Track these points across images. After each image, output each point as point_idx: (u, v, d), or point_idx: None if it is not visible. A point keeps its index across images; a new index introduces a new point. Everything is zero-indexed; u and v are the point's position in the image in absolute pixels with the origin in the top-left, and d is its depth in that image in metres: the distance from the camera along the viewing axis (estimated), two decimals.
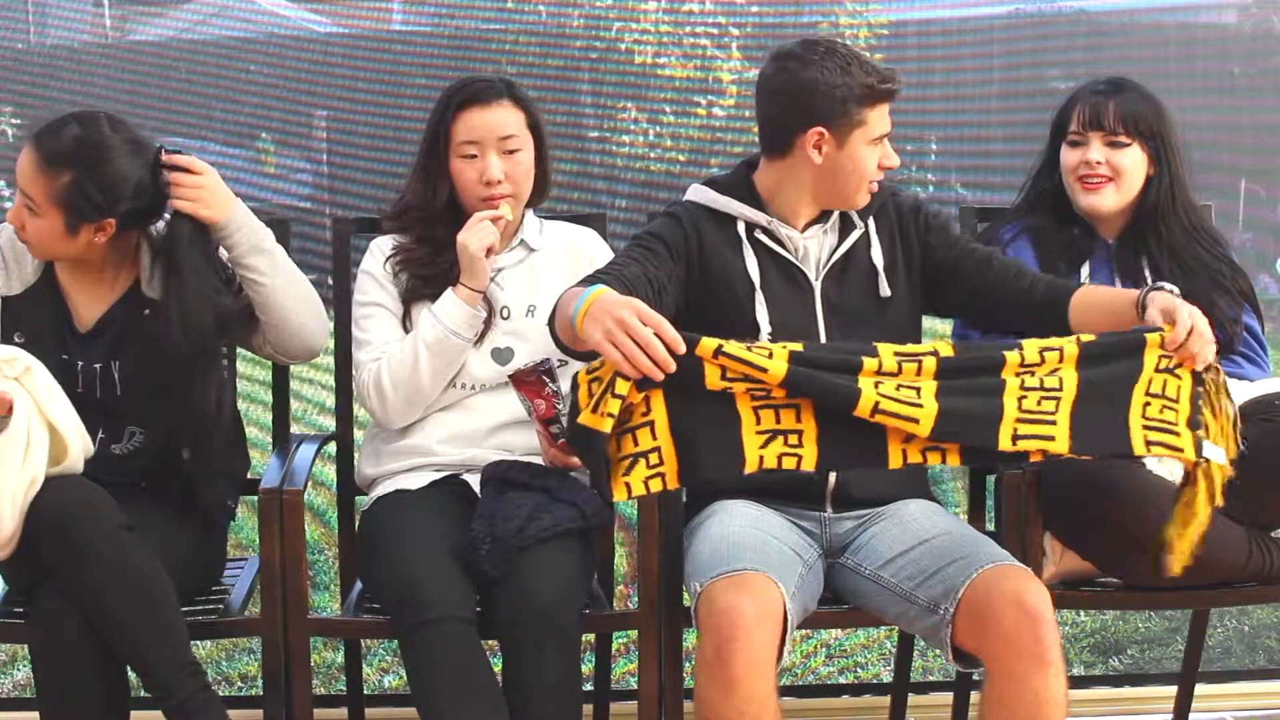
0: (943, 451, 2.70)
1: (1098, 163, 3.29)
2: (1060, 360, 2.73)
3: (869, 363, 2.68)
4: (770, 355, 2.65)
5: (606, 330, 2.59)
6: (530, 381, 3.05)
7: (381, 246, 3.29)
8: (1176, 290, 2.87)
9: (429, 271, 3.22)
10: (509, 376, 3.10)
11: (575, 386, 2.67)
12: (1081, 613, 4.12)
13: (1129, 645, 4.19)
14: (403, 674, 3.08)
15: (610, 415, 2.59)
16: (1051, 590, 2.91)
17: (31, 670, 3.46)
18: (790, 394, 2.66)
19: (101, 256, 3.10)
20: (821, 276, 3.02)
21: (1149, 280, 3.33)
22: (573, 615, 2.97)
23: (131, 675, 2.95)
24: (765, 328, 2.97)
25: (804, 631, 4.03)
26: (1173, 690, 3.76)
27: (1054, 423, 2.70)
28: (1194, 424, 2.75)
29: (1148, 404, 2.74)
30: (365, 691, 3.61)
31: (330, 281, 3.47)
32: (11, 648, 3.91)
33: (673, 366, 2.59)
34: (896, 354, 2.69)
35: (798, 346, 2.68)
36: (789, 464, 2.69)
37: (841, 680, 4.11)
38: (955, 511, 3.51)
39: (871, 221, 3.06)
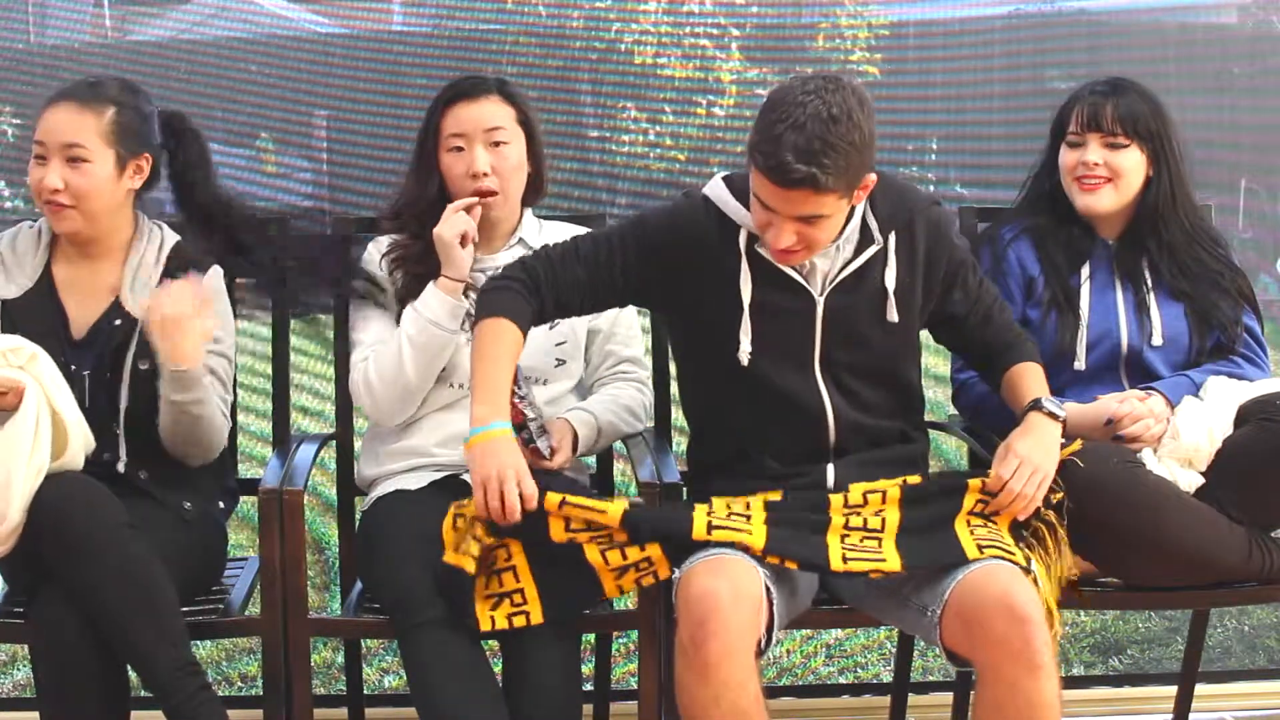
0: (780, 564, 2.82)
1: (1095, 164, 3.28)
2: (883, 502, 2.89)
3: (700, 508, 2.87)
4: (610, 501, 2.86)
5: (484, 475, 2.81)
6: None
7: (379, 245, 3.30)
8: (1062, 413, 2.97)
9: (422, 269, 3.22)
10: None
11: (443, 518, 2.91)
12: (1081, 613, 4.12)
13: (1129, 645, 4.19)
14: (403, 674, 3.08)
15: (472, 557, 2.83)
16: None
17: (31, 670, 3.46)
18: (631, 536, 2.84)
19: (106, 238, 3.12)
20: (827, 292, 2.95)
21: (1148, 281, 3.33)
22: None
23: (132, 675, 2.95)
24: (745, 347, 2.94)
25: (805, 632, 4.04)
26: (1173, 690, 3.76)
27: (880, 554, 2.82)
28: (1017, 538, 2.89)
29: (974, 529, 2.87)
30: (365, 692, 3.61)
31: None
32: (11, 648, 3.91)
33: (516, 519, 2.81)
34: (728, 506, 2.87)
35: (626, 504, 2.86)
36: (647, 582, 2.87)
37: (841, 680, 4.10)
38: None
39: (893, 238, 2.98)
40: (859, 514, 2.88)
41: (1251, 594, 3.18)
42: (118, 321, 3.10)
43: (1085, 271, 3.34)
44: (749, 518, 2.85)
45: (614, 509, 2.83)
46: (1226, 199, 4.17)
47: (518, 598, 2.86)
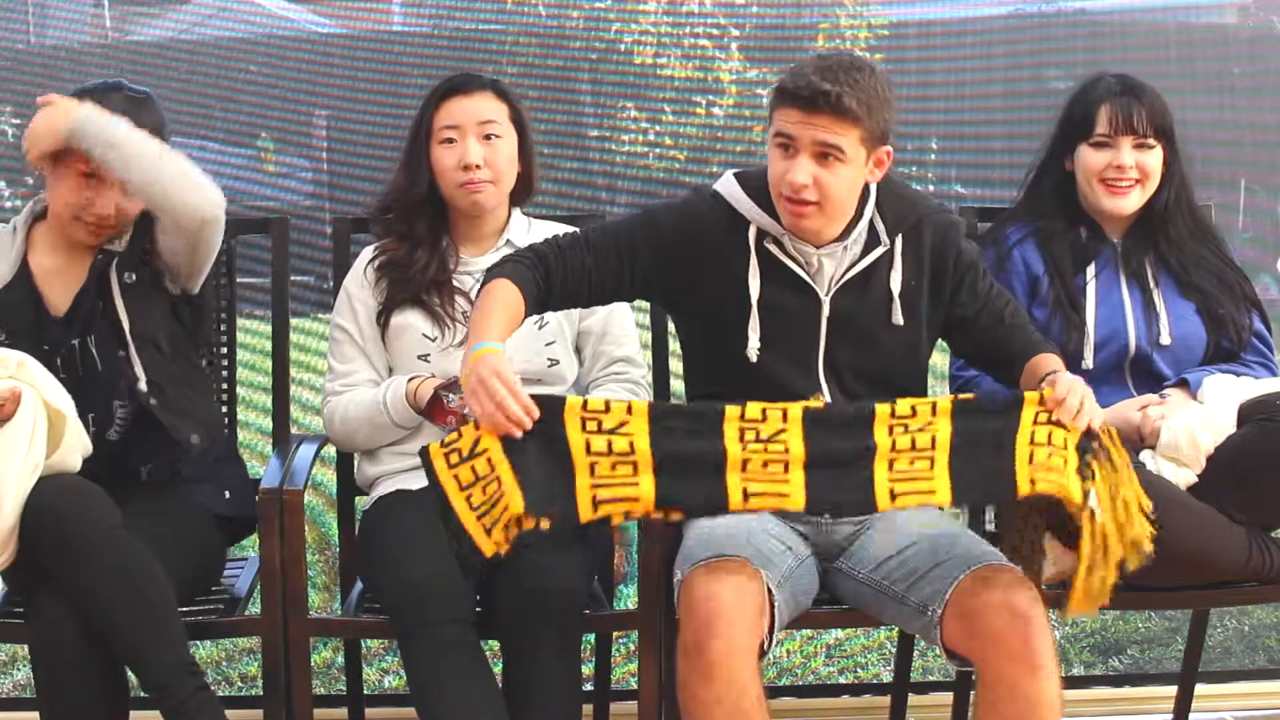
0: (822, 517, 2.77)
1: (1129, 167, 3.28)
2: (933, 414, 2.73)
3: (731, 411, 2.71)
4: (629, 410, 2.70)
5: (471, 386, 2.70)
6: (437, 409, 3.11)
7: (365, 255, 3.32)
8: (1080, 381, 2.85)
9: (406, 274, 3.24)
10: (421, 414, 3.15)
11: (428, 458, 2.70)
12: None
13: (1129, 645, 4.19)
14: (403, 674, 3.08)
15: (469, 490, 2.67)
16: (1051, 591, 2.91)
17: (31, 670, 3.47)
18: (660, 504, 2.69)
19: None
20: (833, 292, 2.95)
21: (1152, 281, 3.33)
22: (574, 614, 2.97)
23: (131, 676, 2.95)
24: (754, 343, 2.94)
25: (805, 632, 4.04)
26: (1173, 690, 3.76)
27: (931, 478, 2.69)
28: (1082, 475, 2.69)
29: (1034, 451, 2.69)
30: (365, 692, 3.61)
31: (330, 281, 3.48)
32: (11, 648, 3.91)
33: (528, 424, 2.67)
34: (764, 407, 2.71)
35: (645, 410, 2.71)
36: (622, 516, 2.70)
37: (841, 680, 4.11)
38: (955, 512, 3.50)
39: (899, 241, 2.97)
40: (906, 430, 2.72)
41: (1251, 594, 3.18)
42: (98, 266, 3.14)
43: (1091, 271, 3.34)
44: (786, 464, 2.70)
45: (646, 491, 2.68)
46: (1227, 198, 4.17)
47: (501, 505, 2.66)
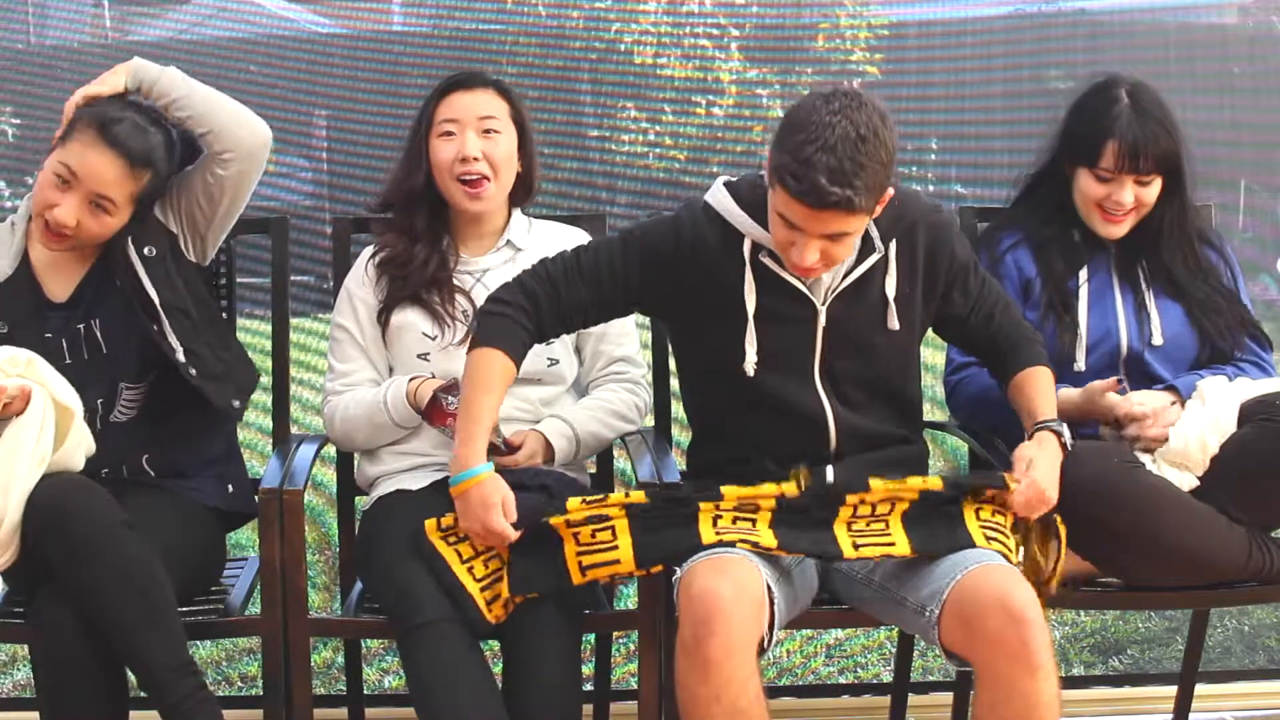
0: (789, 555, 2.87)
1: (1128, 203, 3.27)
2: (891, 509, 2.88)
3: (705, 514, 2.85)
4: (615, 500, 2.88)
5: (469, 529, 2.89)
6: (435, 411, 3.12)
7: (366, 253, 3.33)
8: (1066, 434, 2.97)
9: (405, 270, 3.25)
10: (420, 415, 3.16)
11: (427, 536, 2.93)
12: (1081, 613, 4.12)
13: (1129, 645, 4.19)
14: (403, 675, 3.08)
15: (470, 563, 2.91)
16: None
17: (31, 670, 3.47)
18: (640, 564, 2.86)
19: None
20: (829, 301, 2.95)
21: (1144, 286, 3.33)
22: (573, 615, 2.97)
23: (131, 675, 2.95)
24: (751, 357, 2.94)
25: (805, 632, 4.04)
26: (1173, 690, 3.76)
27: (890, 536, 2.84)
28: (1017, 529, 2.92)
29: (979, 510, 2.88)
30: (365, 692, 3.61)
31: (330, 281, 3.48)
32: (11, 648, 3.91)
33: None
34: (736, 500, 2.86)
35: (639, 497, 2.87)
36: (606, 573, 2.87)
37: (841, 680, 4.11)
38: None
39: (893, 246, 2.97)
40: (866, 503, 2.87)
41: (1251, 594, 3.19)
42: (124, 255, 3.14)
43: (1083, 274, 3.33)
44: (754, 522, 2.84)
45: (625, 553, 2.83)
46: (1227, 198, 4.17)
47: (501, 584, 2.88)
